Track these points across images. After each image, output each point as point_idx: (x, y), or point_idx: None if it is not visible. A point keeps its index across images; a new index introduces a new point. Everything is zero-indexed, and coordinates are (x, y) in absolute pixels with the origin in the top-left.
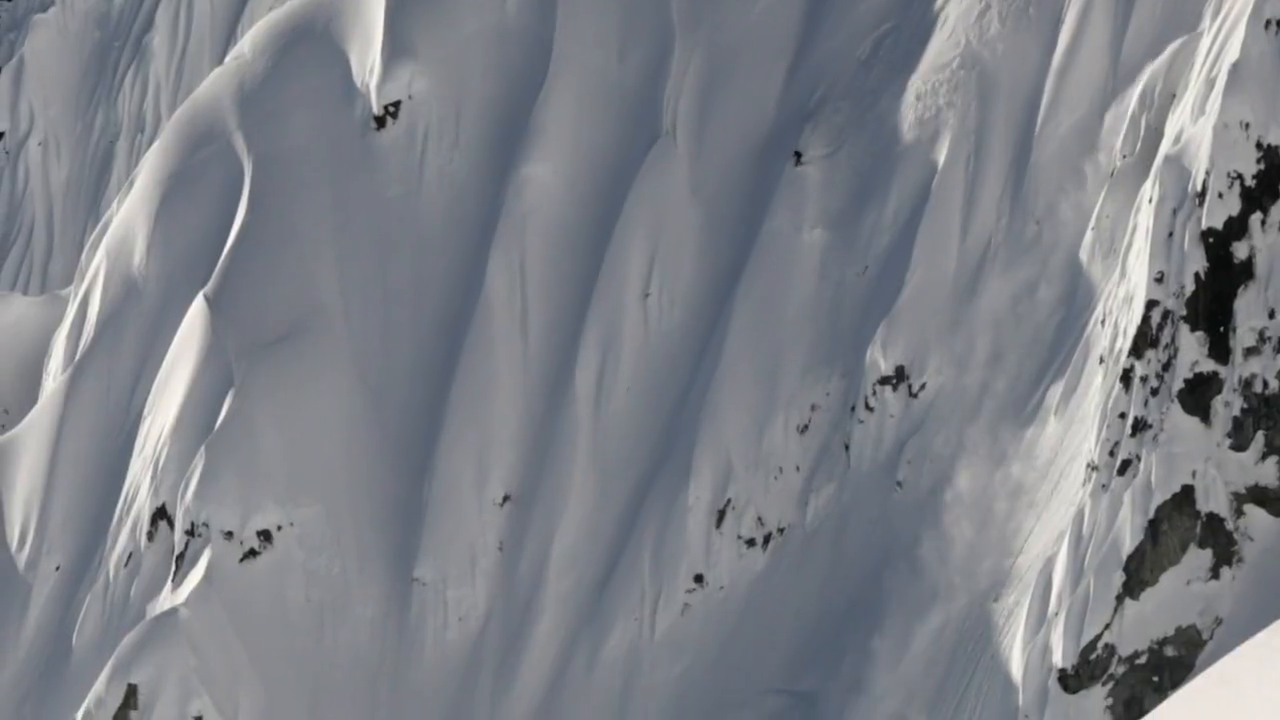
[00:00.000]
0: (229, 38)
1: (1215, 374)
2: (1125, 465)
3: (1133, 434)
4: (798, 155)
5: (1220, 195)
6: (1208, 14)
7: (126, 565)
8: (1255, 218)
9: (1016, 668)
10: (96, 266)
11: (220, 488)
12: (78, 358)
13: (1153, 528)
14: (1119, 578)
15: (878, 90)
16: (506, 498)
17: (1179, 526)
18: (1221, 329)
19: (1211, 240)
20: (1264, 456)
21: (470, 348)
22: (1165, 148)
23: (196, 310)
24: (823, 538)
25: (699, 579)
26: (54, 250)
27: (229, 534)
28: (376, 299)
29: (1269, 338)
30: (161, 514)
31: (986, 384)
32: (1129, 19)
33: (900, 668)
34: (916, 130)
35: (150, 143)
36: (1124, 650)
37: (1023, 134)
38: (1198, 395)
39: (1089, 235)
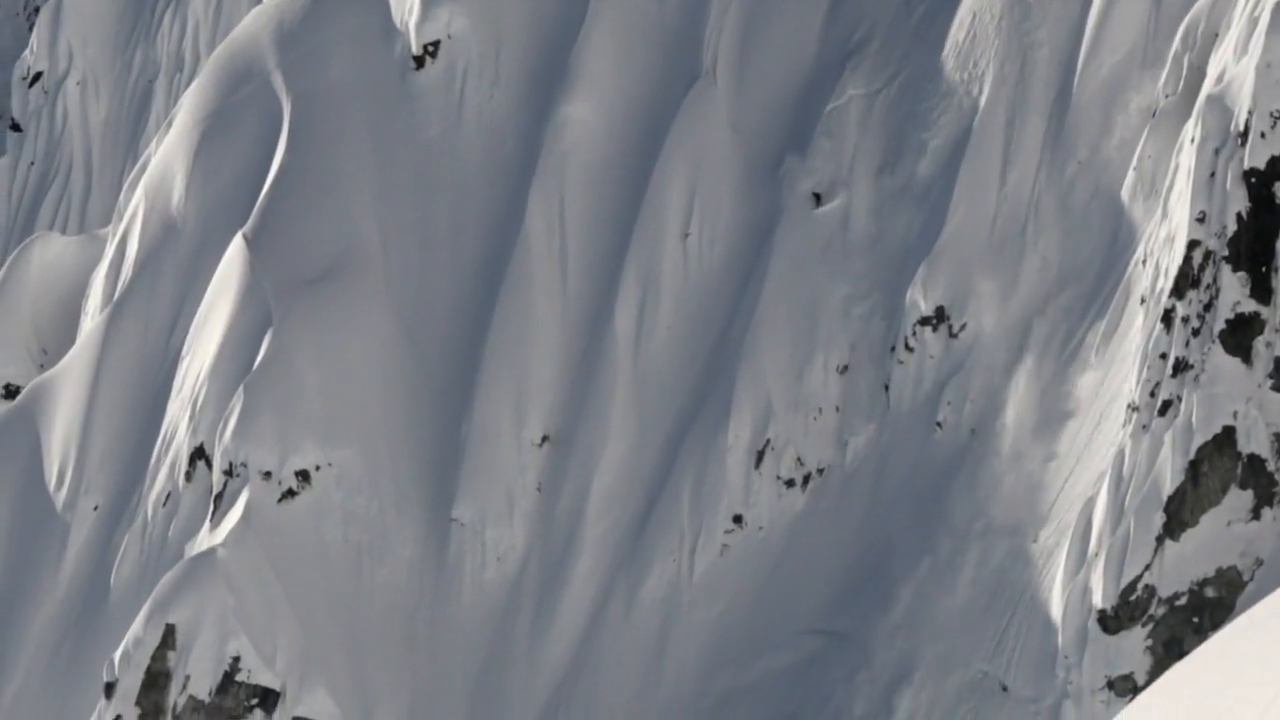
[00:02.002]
0: None
1: (1257, 314)
2: (1166, 406)
3: (1174, 375)
4: (817, 197)
5: (1262, 135)
6: None
7: (165, 505)
8: None
9: (1056, 609)
10: (135, 206)
11: (258, 428)
12: (116, 297)
13: (1193, 469)
14: (1159, 519)
15: (920, 29)
16: (545, 438)
17: (1219, 467)
18: (1263, 269)
19: (1253, 180)
20: None
21: (509, 287)
22: (1207, 87)
23: (235, 250)
24: (862, 478)
25: (738, 519)
26: (92, 190)
27: (267, 474)
28: (415, 238)
29: None
30: (200, 454)
31: (1027, 324)
32: None
33: (939, 609)
34: (958, 70)
35: (189, 82)
36: (1164, 591)
37: (1065, 74)
38: (1239, 336)
39: (1130, 175)
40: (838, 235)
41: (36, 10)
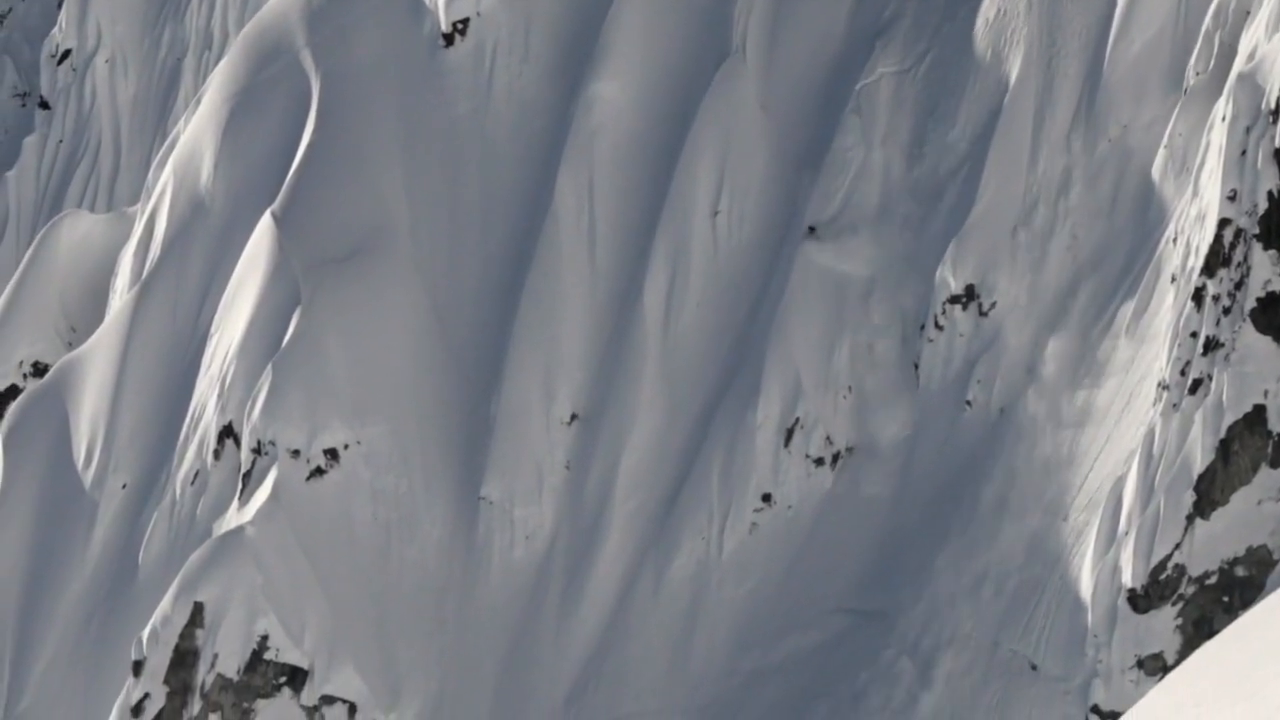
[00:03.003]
0: None
1: None
2: (1196, 384)
3: (1204, 353)
4: (811, 229)
5: None
6: None
7: (193, 484)
8: None
9: (1086, 587)
10: (164, 184)
11: (287, 406)
12: (144, 275)
13: (1224, 447)
14: (1189, 497)
15: (950, 7)
16: (574, 416)
17: (1250, 446)
18: None
19: None
20: None
21: (538, 265)
22: (1239, 65)
23: (264, 228)
24: (891, 457)
25: (767, 498)
26: (121, 168)
27: (295, 452)
28: (444, 216)
29: None
30: (228, 432)
31: (1057, 303)
32: None
33: (969, 587)
34: (988, 47)
35: (218, 60)
36: (1194, 570)
37: (1095, 52)
38: (1270, 314)
39: (1161, 153)
40: (868, 213)
41: None
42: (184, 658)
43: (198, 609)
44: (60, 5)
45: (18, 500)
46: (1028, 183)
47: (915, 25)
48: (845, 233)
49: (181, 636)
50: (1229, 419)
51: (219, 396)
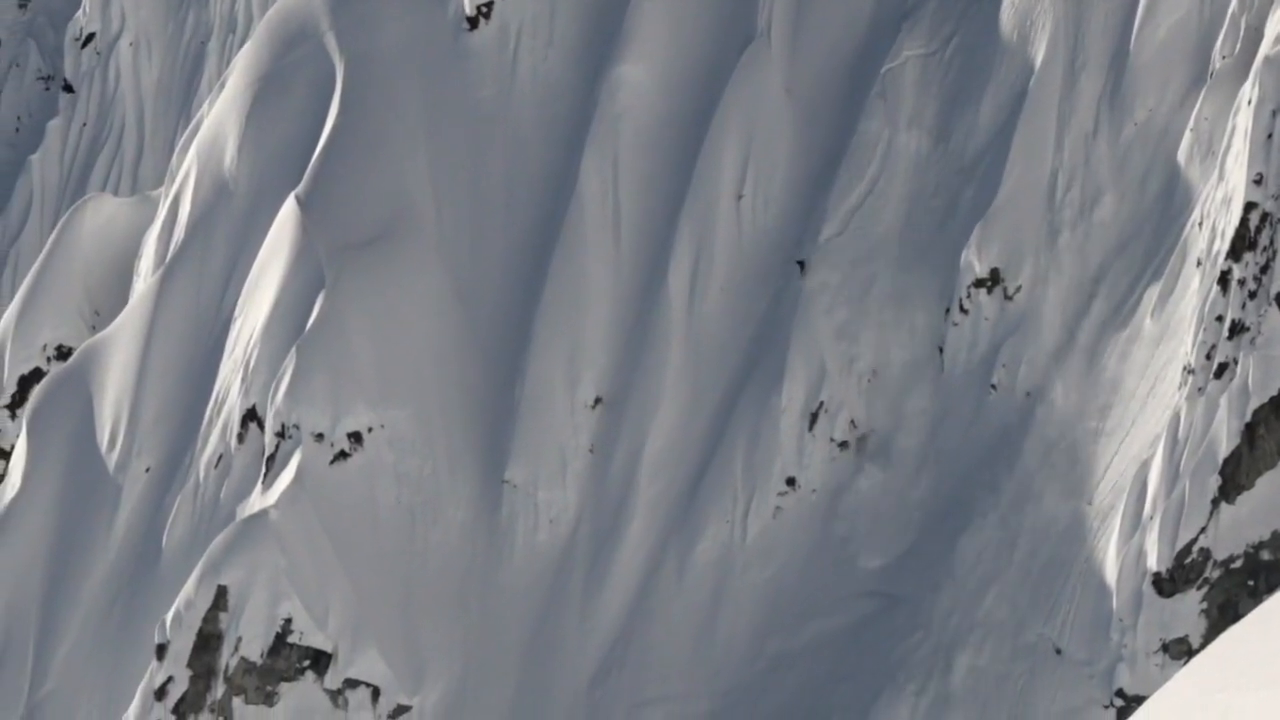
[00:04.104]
0: None
1: None
2: (1222, 369)
3: (1230, 337)
4: (800, 264)
5: None
6: None
7: (217, 467)
8: None
9: (1111, 572)
10: (187, 168)
11: (311, 389)
12: (168, 259)
13: (1249, 431)
14: (1215, 481)
15: None
16: (598, 400)
17: (1276, 430)
18: None
19: None
20: None
21: (562, 249)
22: (1265, 48)
23: (287, 211)
24: (916, 441)
25: (791, 482)
26: (145, 151)
27: (319, 436)
28: (468, 200)
29: None
30: (252, 415)
31: (1082, 286)
32: None
33: (993, 571)
34: (1014, 30)
35: (241, 43)
36: (1219, 554)
37: (1121, 35)
38: None
39: (1187, 137)
40: (892, 196)
41: None
42: (207, 641)
43: (221, 592)
44: None
45: (42, 483)
46: (1053, 167)
47: (941, 8)
48: (869, 216)
49: (205, 620)
50: (1254, 403)
51: (243, 380)
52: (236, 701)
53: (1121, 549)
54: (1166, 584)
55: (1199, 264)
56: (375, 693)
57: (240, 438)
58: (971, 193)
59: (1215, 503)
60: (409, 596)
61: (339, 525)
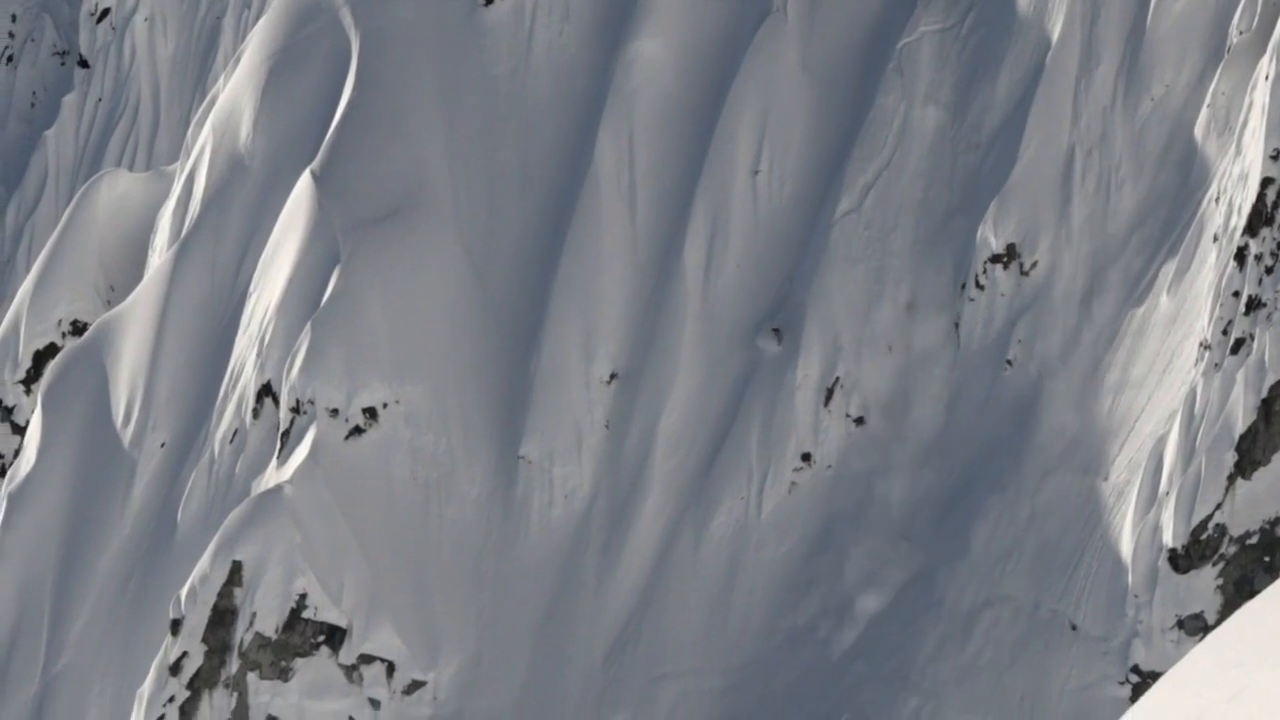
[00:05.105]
0: None
1: None
2: (1238, 344)
3: (1246, 312)
4: (776, 332)
5: None
6: None
7: (231, 442)
8: None
9: (1126, 547)
10: (202, 143)
11: (326, 365)
12: (183, 234)
13: (1265, 407)
14: (1231, 457)
15: None
16: (613, 375)
17: None
18: None
19: None
20: None
21: (578, 225)
22: None
23: (303, 187)
24: (931, 417)
25: (806, 458)
26: (160, 127)
27: (334, 411)
28: (483, 176)
29: None
30: (267, 391)
31: (1098, 262)
32: None
33: (1008, 547)
34: (1031, 5)
35: (257, 19)
36: (1235, 530)
37: (1138, 10)
38: None
39: (1204, 112)
40: (909, 171)
41: None
42: (222, 616)
43: (236, 568)
44: None
45: (56, 459)
46: (1070, 143)
47: None
48: (886, 191)
49: (220, 595)
50: (1271, 379)
51: (258, 355)
52: (251, 677)
53: (1137, 525)
54: (1182, 560)
55: (1216, 240)
56: (390, 668)
57: (255, 413)
58: (988, 168)
59: (1231, 479)
60: (424, 572)
61: (354, 501)
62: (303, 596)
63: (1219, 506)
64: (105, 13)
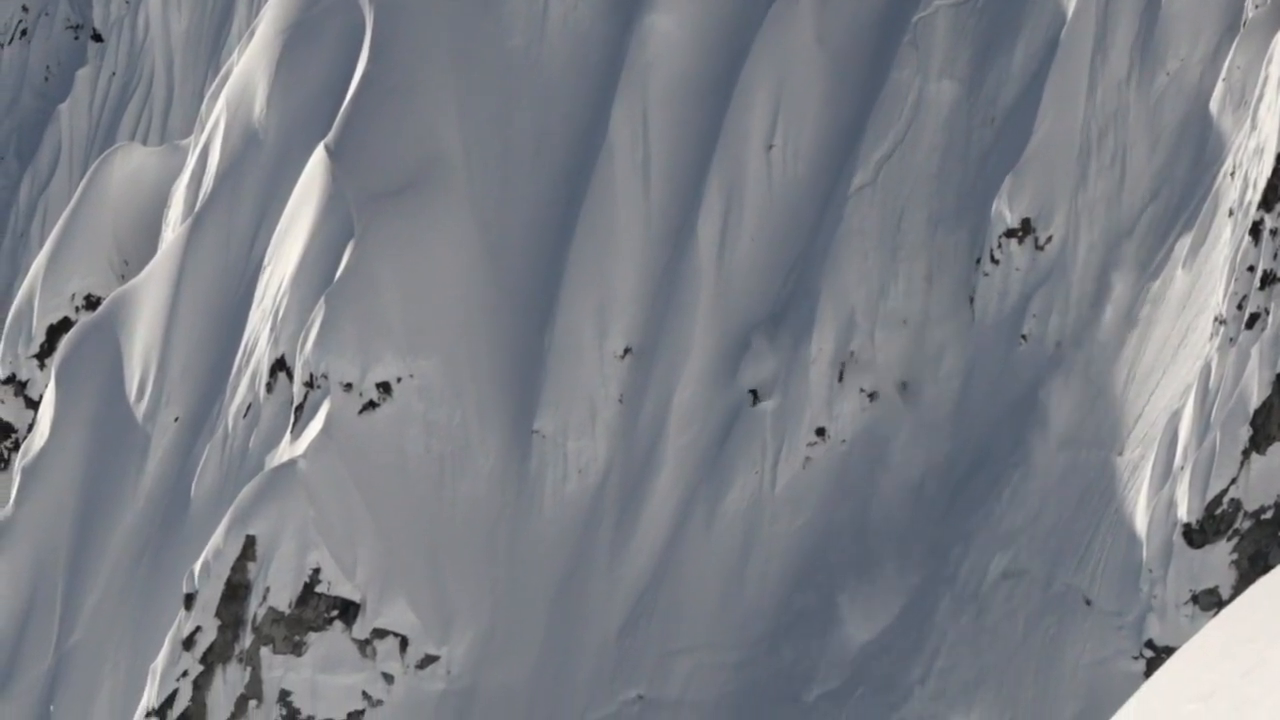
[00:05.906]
0: None
1: None
2: (1253, 319)
3: (1261, 287)
4: (753, 394)
5: None
6: None
7: (245, 417)
8: None
9: (1141, 522)
10: (216, 117)
11: (340, 339)
12: (197, 208)
13: None
14: (1245, 432)
15: None
16: (627, 350)
17: None
18: None
19: None
20: None
21: (592, 199)
22: None
23: (317, 160)
24: (946, 392)
25: (820, 432)
26: (174, 101)
27: (348, 385)
28: (497, 149)
29: None
30: (280, 365)
31: (1113, 237)
32: None
33: (1023, 522)
34: None
35: None
36: (1250, 505)
37: None
38: None
39: (1220, 87)
40: (923, 146)
41: None
42: (236, 591)
43: (250, 542)
44: None
45: (70, 433)
46: (1085, 116)
47: None
48: (900, 165)
49: (233, 570)
50: None
51: (271, 329)
52: (264, 651)
53: (1151, 500)
54: (1196, 535)
55: (1231, 214)
56: (403, 642)
57: (269, 387)
58: (1003, 143)
59: (1246, 453)
60: (437, 546)
61: (367, 475)
62: (316, 571)
63: (1234, 481)
64: None
